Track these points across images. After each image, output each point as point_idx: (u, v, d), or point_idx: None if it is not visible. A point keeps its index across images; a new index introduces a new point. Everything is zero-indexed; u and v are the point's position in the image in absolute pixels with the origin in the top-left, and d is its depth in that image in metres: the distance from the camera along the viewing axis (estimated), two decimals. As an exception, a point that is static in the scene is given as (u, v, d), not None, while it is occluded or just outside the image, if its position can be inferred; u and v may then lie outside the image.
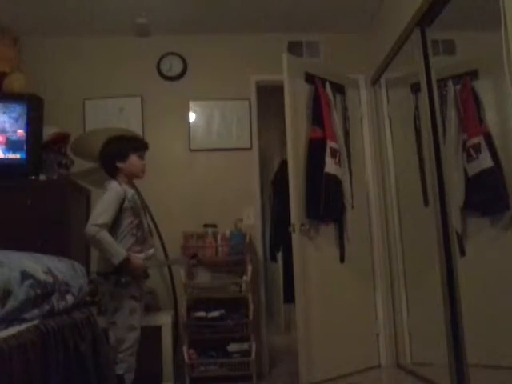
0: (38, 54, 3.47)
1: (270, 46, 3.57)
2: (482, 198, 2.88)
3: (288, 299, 4.06)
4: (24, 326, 1.39)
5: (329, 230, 3.14)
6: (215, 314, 3.01)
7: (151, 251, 2.38)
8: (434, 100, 2.62)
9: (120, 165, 2.34)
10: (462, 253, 2.91)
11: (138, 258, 2.23)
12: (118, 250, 2.17)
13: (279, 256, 4.58)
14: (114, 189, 2.26)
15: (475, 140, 2.92)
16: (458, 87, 3.06)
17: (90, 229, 2.14)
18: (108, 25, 3.42)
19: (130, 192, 2.33)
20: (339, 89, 3.40)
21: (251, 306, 3.04)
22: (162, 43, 3.59)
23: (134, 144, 2.43)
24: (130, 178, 2.40)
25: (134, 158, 2.36)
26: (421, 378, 2.85)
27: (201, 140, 3.52)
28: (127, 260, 2.17)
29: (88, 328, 1.79)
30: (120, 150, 2.37)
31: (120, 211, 2.24)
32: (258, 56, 3.58)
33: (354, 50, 3.63)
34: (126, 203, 2.27)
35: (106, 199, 2.24)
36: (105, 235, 2.15)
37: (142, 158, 2.41)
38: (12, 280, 1.39)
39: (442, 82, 2.94)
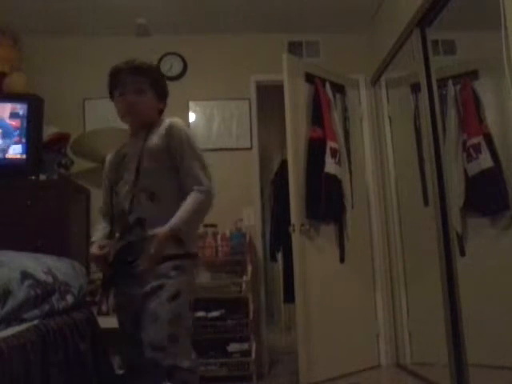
0: (38, 54, 3.47)
1: (269, 45, 3.57)
2: (482, 198, 2.88)
3: (288, 299, 4.05)
4: (24, 326, 1.40)
5: (329, 230, 3.14)
6: (215, 314, 3.01)
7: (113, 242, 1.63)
8: (434, 100, 2.62)
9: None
10: (462, 253, 2.90)
11: (92, 248, 1.63)
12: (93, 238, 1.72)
13: (279, 256, 4.58)
14: None
15: (475, 140, 2.92)
16: (458, 87, 3.07)
17: None
18: (108, 25, 3.42)
19: (120, 152, 1.75)
20: (339, 89, 3.40)
21: (251, 306, 3.04)
22: (162, 43, 3.59)
23: (111, 78, 1.80)
24: (130, 127, 1.78)
25: (116, 98, 1.76)
26: (421, 378, 2.85)
27: (201, 140, 3.52)
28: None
29: (88, 328, 1.79)
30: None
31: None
32: (258, 56, 3.58)
33: (354, 50, 3.63)
34: (108, 171, 1.77)
35: None
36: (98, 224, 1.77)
37: (122, 93, 1.70)
38: (12, 280, 1.39)
39: (442, 82, 2.94)
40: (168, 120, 1.70)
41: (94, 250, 1.60)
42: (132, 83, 1.67)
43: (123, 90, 1.68)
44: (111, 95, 1.77)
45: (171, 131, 1.64)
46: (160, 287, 1.51)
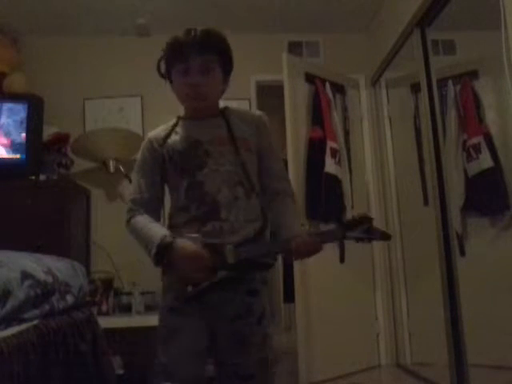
0: (38, 54, 3.46)
1: (270, 45, 3.57)
2: (481, 198, 2.88)
3: (288, 299, 4.05)
4: (24, 326, 1.39)
5: (329, 230, 3.14)
6: (215, 314, 3.00)
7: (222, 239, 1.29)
8: (434, 100, 2.62)
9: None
10: (462, 253, 2.91)
11: (185, 244, 1.27)
12: (151, 234, 1.32)
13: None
14: (144, 141, 1.48)
15: (475, 140, 2.92)
16: (458, 87, 3.07)
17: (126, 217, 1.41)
18: (108, 25, 3.42)
19: (180, 134, 1.43)
20: (339, 89, 3.40)
21: (251, 306, 3.04)
22: (162, 43, 3.57)
23: (169, 53, 1.47)
24: (188, 110, 1.51)
25: (175, 77, 1.44)
26: (421, 378, 2.85)
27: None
28: (167, 247, 1.27)
29: (88, 328, 1.79)
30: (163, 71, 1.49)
31: (164, 169, 1.44)
32: (258, 56, 3.57)
33: (354, 49, 3.63)
34: (165, 153, 1.41)
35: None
36: (135, 220, 1.38)
37: (184, 72, 1.39)
38: (12, 280, 1.39)
39: (442, 82, 2.94)
40: (256, 111, 1.61)
41: (197, 248, 1.26)
42: (197, 61, 1.38)
43: (186, 69, 1.39)
44: (168, 73, 1.47)
45: (262, 128, 1.47)
46: (250, 308, 1.34)
